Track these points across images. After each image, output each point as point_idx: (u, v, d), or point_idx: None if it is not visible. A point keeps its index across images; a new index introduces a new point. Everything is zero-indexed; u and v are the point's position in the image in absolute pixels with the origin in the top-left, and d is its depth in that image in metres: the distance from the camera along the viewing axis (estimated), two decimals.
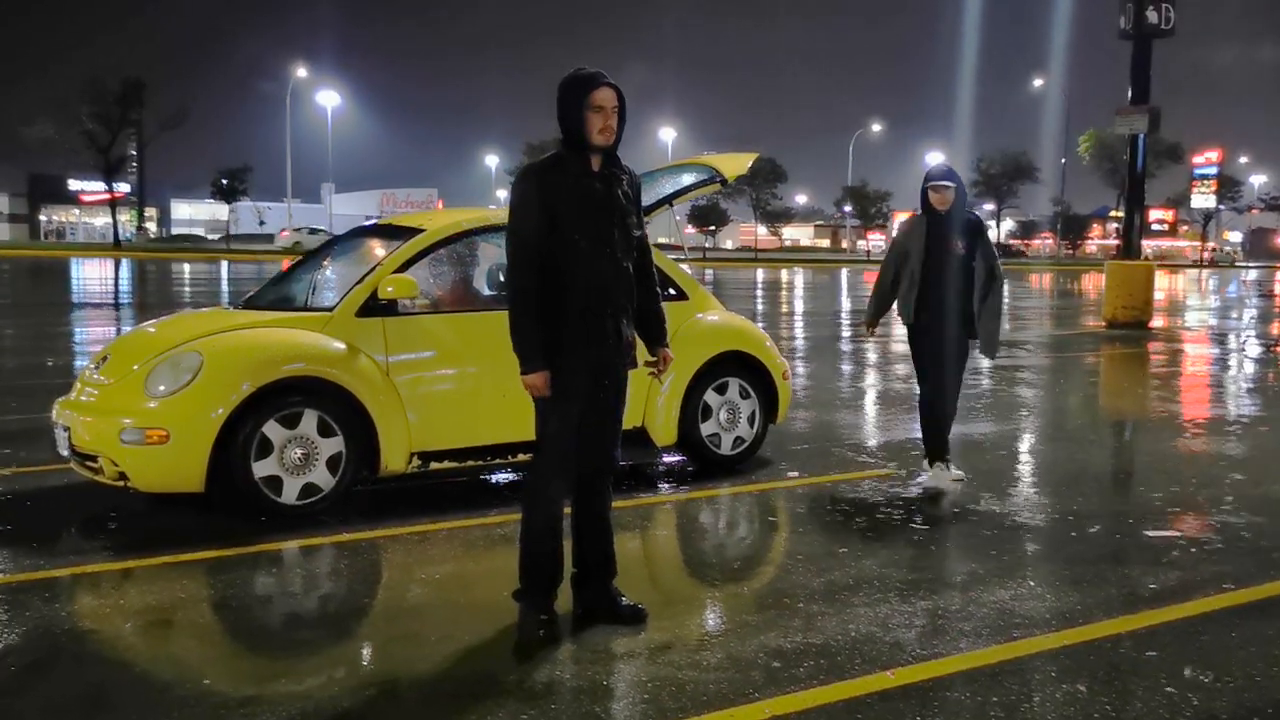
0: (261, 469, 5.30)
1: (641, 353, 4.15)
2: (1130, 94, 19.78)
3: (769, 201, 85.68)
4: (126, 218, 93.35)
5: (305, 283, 6.42)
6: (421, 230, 6.07)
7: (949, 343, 5.77)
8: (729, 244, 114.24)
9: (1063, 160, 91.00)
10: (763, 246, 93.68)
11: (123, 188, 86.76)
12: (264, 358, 5.36)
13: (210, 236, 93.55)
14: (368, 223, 7.08)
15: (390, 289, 5.60)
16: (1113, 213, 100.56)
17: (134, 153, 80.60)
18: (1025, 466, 7.26)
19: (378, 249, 6.33)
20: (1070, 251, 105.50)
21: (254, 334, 5.56)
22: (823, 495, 6.16)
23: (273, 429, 5.31)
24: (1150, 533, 5.46)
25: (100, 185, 69.60)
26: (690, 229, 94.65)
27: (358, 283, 5.77)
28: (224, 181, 69.20)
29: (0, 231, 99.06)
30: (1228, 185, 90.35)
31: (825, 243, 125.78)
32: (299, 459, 5.38)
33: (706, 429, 6.74)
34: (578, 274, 3.82)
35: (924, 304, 5.54)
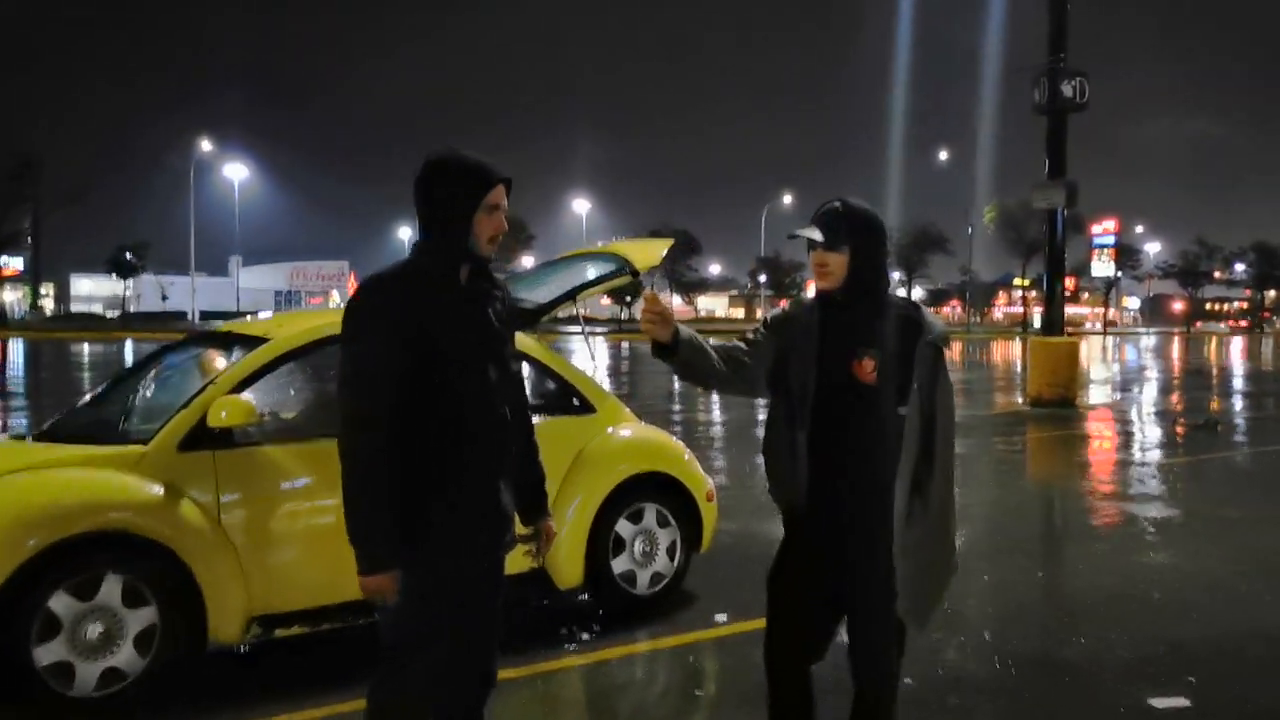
0: (46, 653, 4.11)
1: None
2: (1047, 168, 19.48)
3: (684, 273, 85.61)
4: (20, 294, 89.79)
5: (121, 406, 5.24)
6: (266, 340, 4.94)
7: (867, 564, 3.15)
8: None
9: (969, 230, 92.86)
10: (679, 317, 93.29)
11: (16, 264, 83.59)
12: (50, 509, 4.19)
13: (109, 314, 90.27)
14: (207, 327, 5.93)
15: (223, 414, 4.49)
16: (1017, 280, 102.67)
17: (28, 228, 77.75)
18: (970, 598, 6.34)
19: (215, 362, 5.21)
20: (979, 319, 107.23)
21: (40, 477, 4.38)
22: (758, 645, 5.13)
23: (61, 601, 4.13)
24: (1157, 701, 4.54)
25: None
26: (605, 300, 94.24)
27: (182, 407, 4.64)
28: (126, 255, 66.69)
29: None
30: (1126, 254, 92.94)
31: (740, 313, 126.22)
32: (98, 638, 4.20)
33: (619, 565, 5.71)
34: (448, 429, 2.80)
35: (820, 480, 3.13)
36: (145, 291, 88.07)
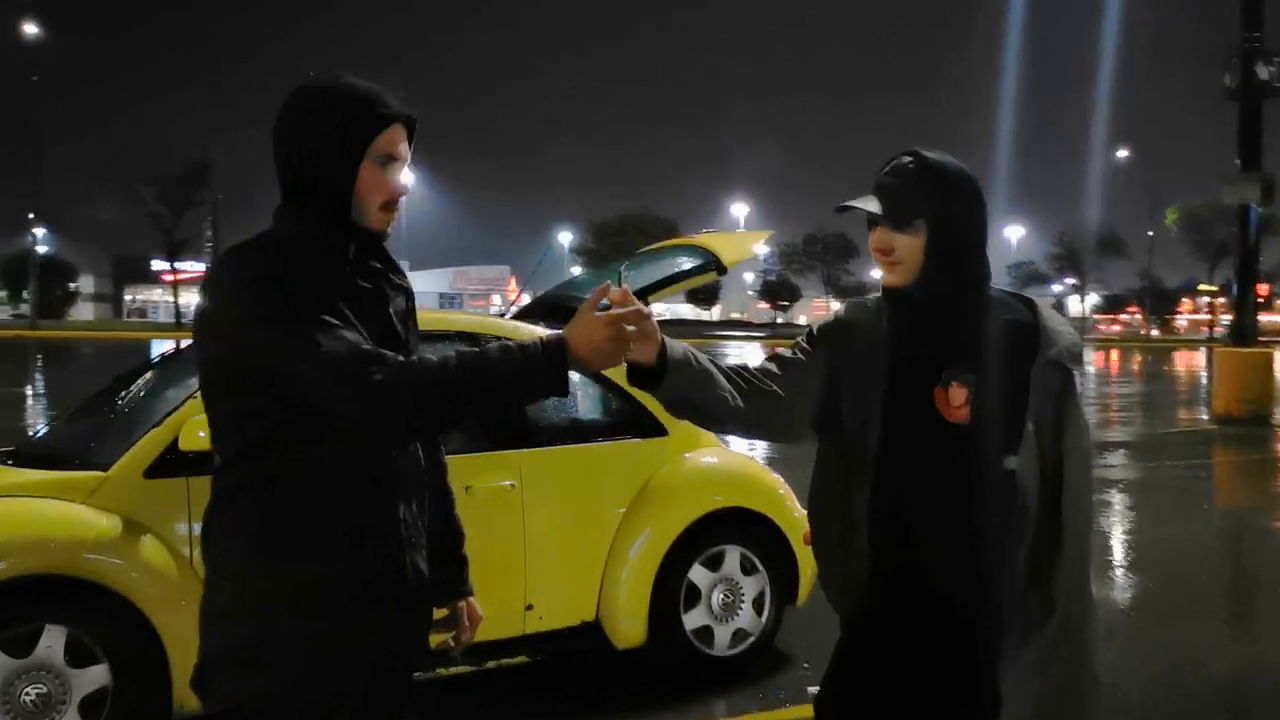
0: None
1: None
2: (1239, 160, 17.47)
3: (840, 277, 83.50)
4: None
5: (97, 424, 4.55)
6: None
7: (960, 693, 2.13)
8: (803, 319, 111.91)
9: (1149, 233, 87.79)
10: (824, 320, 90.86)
11: (198, 267, 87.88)
12: None
13: None
14: None
15: (200, 434, 3.73)
16: (1202, 285, 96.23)
17: (209, 232, 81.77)
18: (1139, 677, 5.11)
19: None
20: (1157, 328, 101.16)
21: None
22: None
23: None
24: None
25: (183, 265, 70.06)
26: (762, 304, 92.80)
27: (153, 425, 3.91)
28: None
29: (85, 311, 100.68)
30: None
31: None
32: (33, 704, 3.49)
33: (693, 620, 4.75)
34: (333, 468, 1.91)
35: (888, 565, 2.14)
36: None
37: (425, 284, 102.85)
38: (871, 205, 2.11)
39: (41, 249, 63.02)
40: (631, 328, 1.93)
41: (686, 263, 5.35)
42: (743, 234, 5.67)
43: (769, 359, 2.25)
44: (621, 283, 2.02)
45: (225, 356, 1.87)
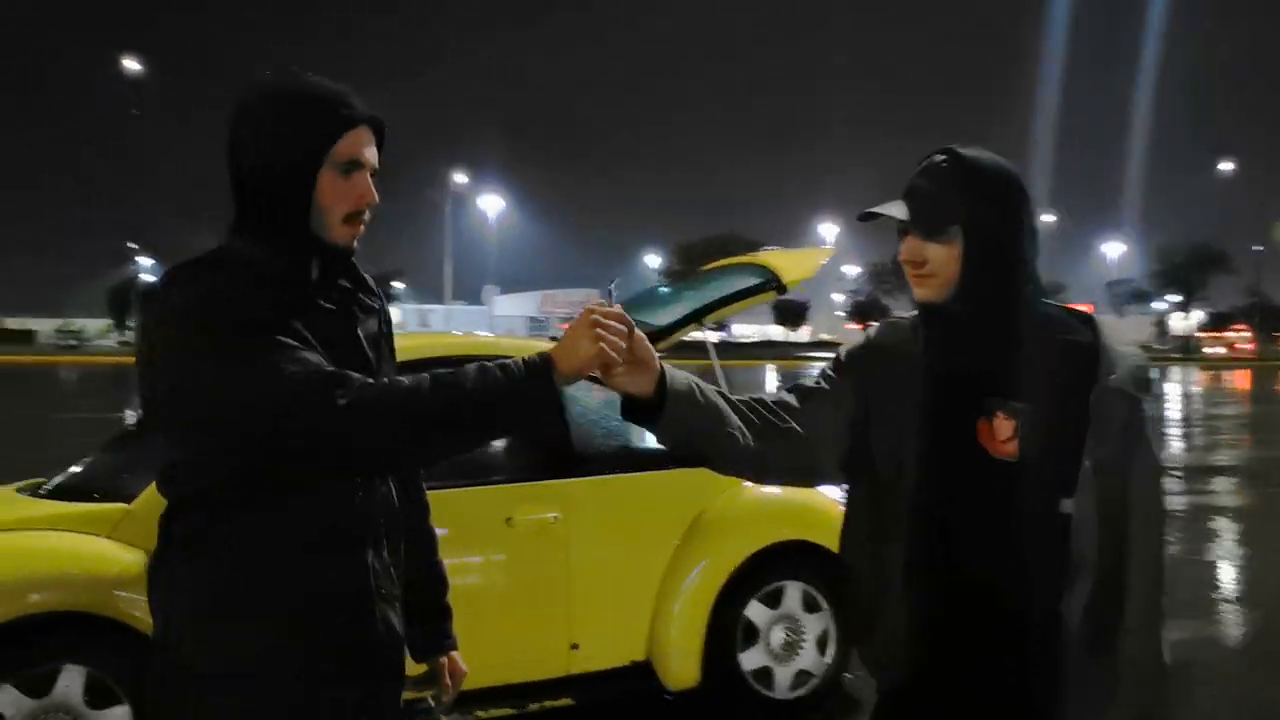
0: None
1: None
2: None
3: None
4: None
5: (128, 455, 4.42)
6: None
7: None
8: None
9: (1259, 248, 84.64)
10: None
11: None
12: None
13: None
14: None
15: None
16: None
17: None
18: None
19: None
20: (1267, 344, 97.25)
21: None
22: None
23: (8, 696, 3.33)
24: None
25: None
26: (851, 325, 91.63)
27: None
28: (390, 284, 70.62)
29: None
30: None
31: None
32: None
33: (750, 660, 4.47)
34: (291, 512, 1.71)
35: (927, 626, 1.84)
36: (408, 320, 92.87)
37: (513, 308, 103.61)
38: (898, 211, 1.84)
39: (146, 278, 65.07)
40: (618, 340, 1.71)
41: (745, 281, 5.11)
42: (804, 251, 5.37)
43: (789, 390, 1.99)
44: (612, 299, 1.78)
45: (169, 388, 1.68)
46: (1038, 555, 1.78)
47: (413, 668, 2.01)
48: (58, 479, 4.19)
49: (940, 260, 1.83)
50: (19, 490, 4.16)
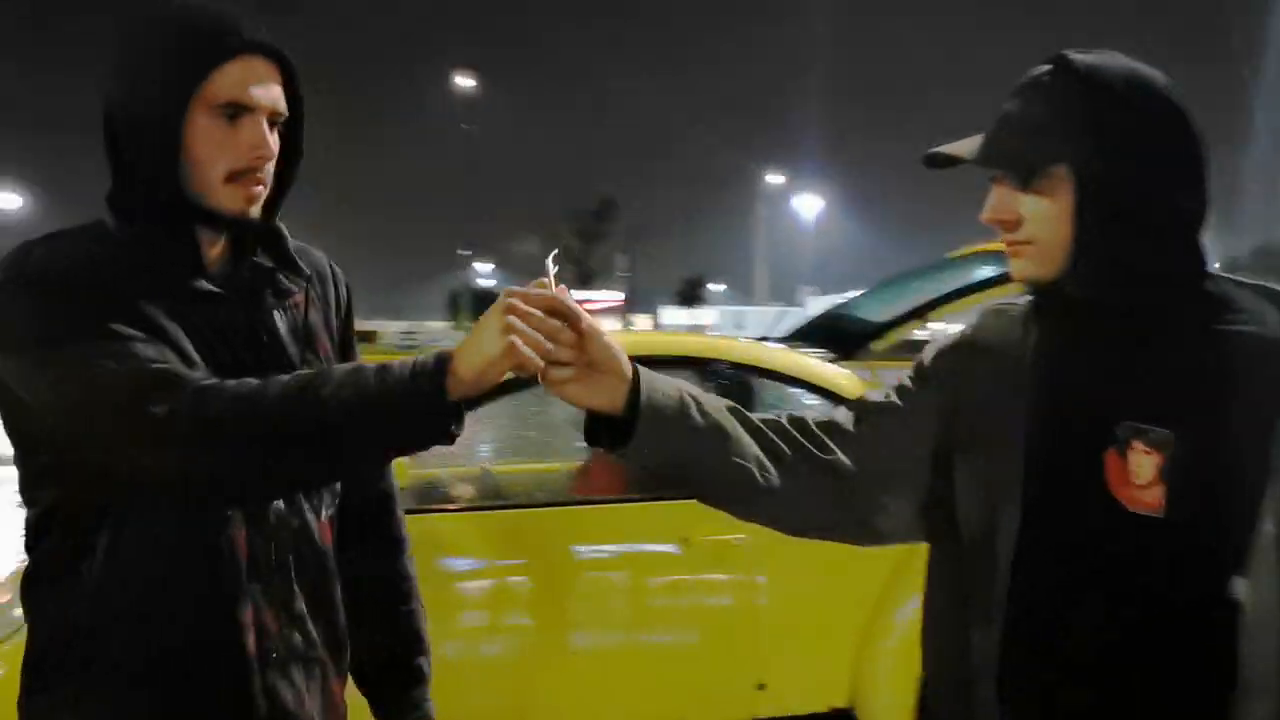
0: None
1: None
2: None
3: None
4: (620, 324, 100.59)
5: None
6: None
7: None
8: None
9: None
10: None
11: (616, 296, 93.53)
12: None
13: None
14: None
15: None
16: None
17: (617, 263, 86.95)
18: None
19: None
20: None
21: None
22: None
23: None
24: None
25: (593, 294, 74.95)
26: None
27: None
28: (703, 286, 71.99)
29: None
30: None
31: None
32: None
33: None
34: (136, 559, 1.38)
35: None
36: (725, 322, 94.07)
37: (827, 307, 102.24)
38: (967, 150, 1.28)
39: (486, 282, 69.67)
40: (541, 336, 1.27)
41: (988, 271, 4.43)
42: None
43: (849, 406, 1.46)
44: (551, 277, 1.33)
45: None
46: (1189, 662, 1.16)
47: None
48: None
49: (1040, 219, 1.25)
50: None
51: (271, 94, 1.42)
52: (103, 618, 1.36)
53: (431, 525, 3.63)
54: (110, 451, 1.26)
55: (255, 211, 1.45)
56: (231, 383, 1.28)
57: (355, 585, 1.63)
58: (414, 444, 1.35)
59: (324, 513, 1.54)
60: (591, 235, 65.89)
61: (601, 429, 1.35)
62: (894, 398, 1.44)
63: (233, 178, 1.40)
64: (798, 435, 1.39)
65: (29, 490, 1.39)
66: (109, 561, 1.35)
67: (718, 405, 1.38)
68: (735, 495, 1.39)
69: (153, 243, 1.40)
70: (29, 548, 1.41)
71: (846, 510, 1.40)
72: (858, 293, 6.85)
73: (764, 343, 4.51)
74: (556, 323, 1.27)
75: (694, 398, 1.36)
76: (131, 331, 1.30)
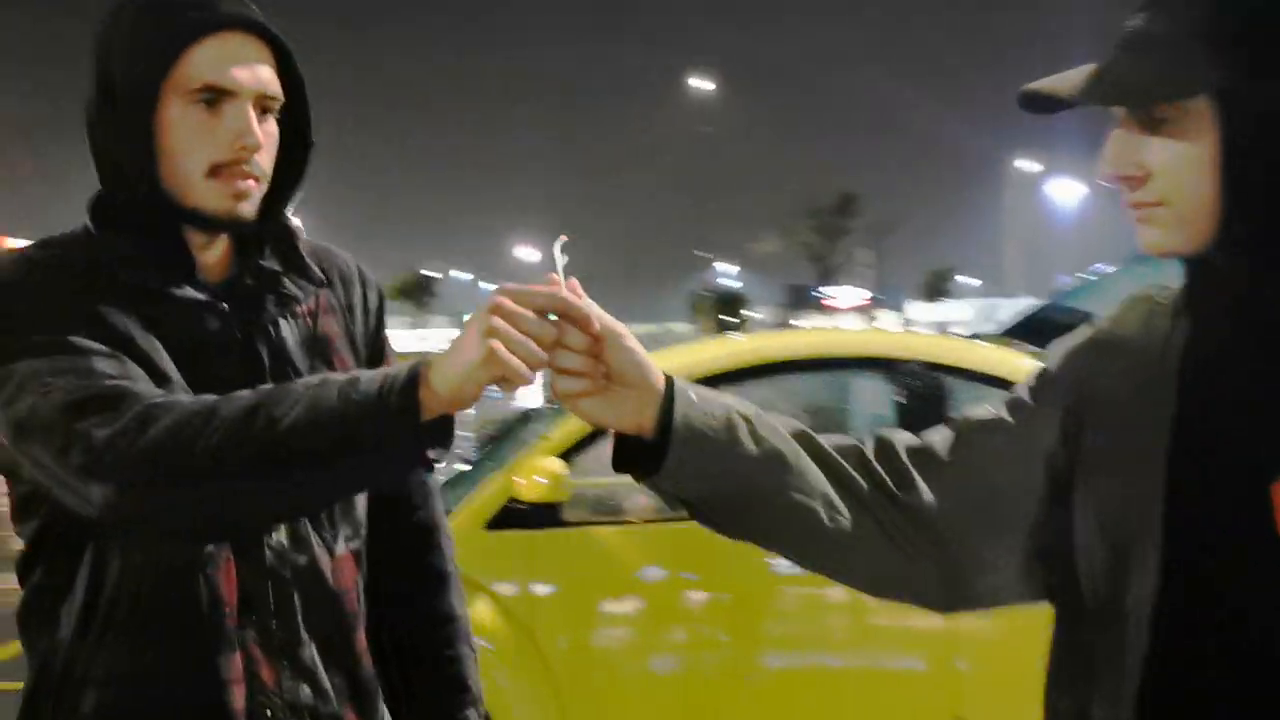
0: None
1: None
2: None
3: None
4: (865, 322, 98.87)
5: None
6: None
7: None
8: None
9: None
10: None
11: (861, 293, 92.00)
12: None
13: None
14: None
15: (540, 480, 3.27)
16: None
17: (865, 258, 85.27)
18: None
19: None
20: None
21: None
22: None
23: None
24: None
25: (843, 291, 73.76)
26: None
27: (498, 469, 3.54)
28: (951, 280, 69.76)
29: None
30: None
31: None
32: None
33: None
34: (110, 585, 1.23)
35: None
36: (977, 316, 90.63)
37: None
38: (1072, 85, 0.97)
39: (729, 283, 69.77)
40: (532, 343, 1.03)
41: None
42: None
43: (950, 425, 1.15)
44: (560, 268, 1.09)
45: None
46: None
47: None
48: None
49: (1173, 171, 0.94)
50: None
51: (258, 75, 1.24)
52: (80, 667, 1.23)
53: (601, 538, 3.49)
54: (50, 480, 1.13)
55: (246, 210, 1.26)
56: (186, 400, 1.12)
57: (392, 628, 1.46)
58: (383, 473, 1.15)
59: (340, 547, 1.35)
60: (832, 231, 64.60)
61: (632, 455, 1.10)
62: (1004, 413, 1.13)
63: (215, 172, 1.23)
64: (879, 466, 1.10)
65: (17, 521, 1.29)
66: (88, 602, 1.22)
67: (778, 427, 1.11)
68: (796, 540, 1.11)
69: (131, 247, 1.26)
70: (21, 581, 1.30)
71: (932, 563, 1.09)
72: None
73: (972, 340, 4.12)
74: (550, 326, 1.03)
75: (746, 417, 1.09)
76: (92, 345, 1.15)
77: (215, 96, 1.22)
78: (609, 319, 1.06)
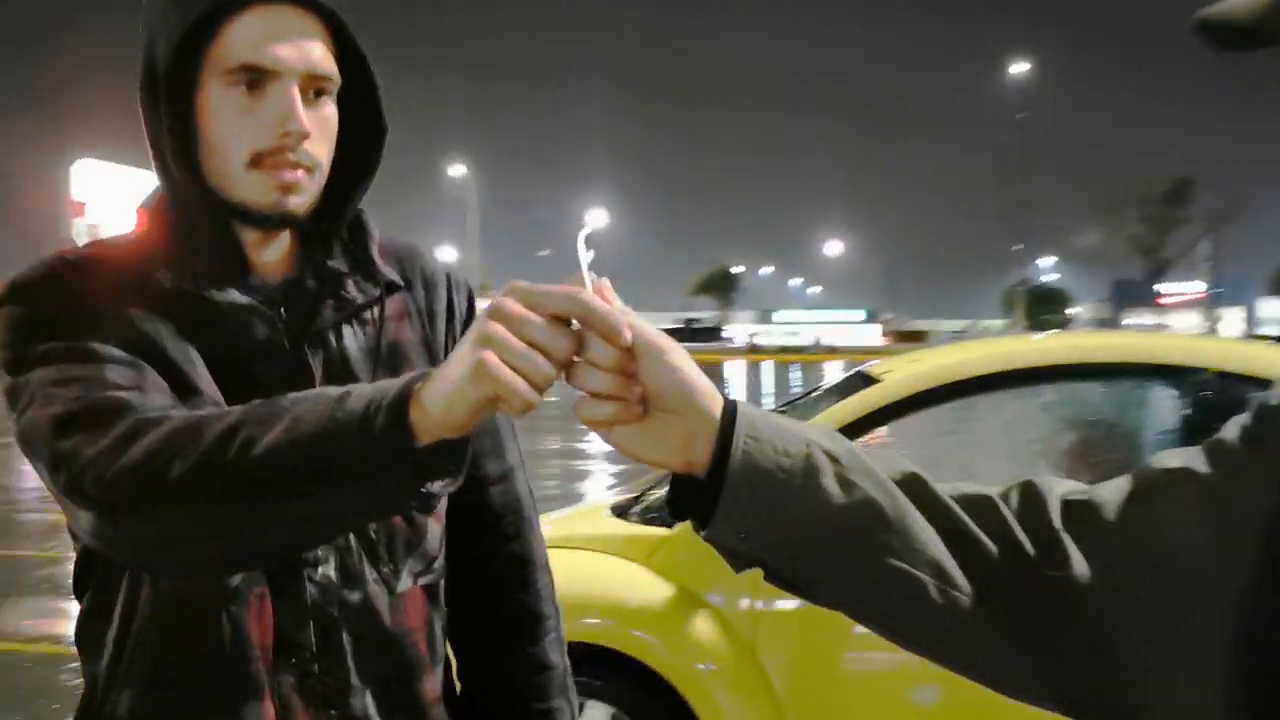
0: None
1: None
2: None
3: None
4: (1204, 318, 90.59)
5: None
6: (874, 382, 3.46)
7: None
8: None
9: None
10: None
11: (1198, 288, 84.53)
12: None
13: None
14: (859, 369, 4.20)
15: None
16: None
17: (1204, 250, 77.84)
18: None
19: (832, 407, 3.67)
20: None
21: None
22: None
23: None
24: None
25: (1180, 286, 67.85)
26: None
27: None
28: None
29: None
30: None
31: None
32: None
33: None
34: (142, 614, 1.13)
35: None
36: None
37: None
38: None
39: (1049, 278, 65.91)
40: (540, 359, 0.81)
41: None
42: None
43: (1133, 475, 0.86)
44: (586, 269, 0.85)
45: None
46: None
47: None
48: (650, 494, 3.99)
49: None
50: (612, 507, 4.01)
51: (305, 54, 1.10)
52: (109, 706, 1.14)
53: None
54: (62, 494, 1.03)
55: (294, 204, 1.13)
56: (178, 415, 1.00)
57: (474, 676, 1.32)
58: (372, 508, 0.97)
59: (404, 583, 1.20)
60: (1163, 221, 59.20)
61: (682, 494, 0.87)
62: (1199, 462, 0.81)
63: (258, 161, 1.11)
64: (1018, 527, 0.82)
65: (75, 539, 1.23)
66: (121, 632, 1.14)
67: (875, 470, 0.83)
68: (893, 616, 0.84)
69: (174, 246, 1.15)
70: (78, 598, 1.25)
71: (1085, 668, 0.80)
72: None
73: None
74: (566, 337, 0.81)
75: (832, 455, 0.83)
76: (111, 352, 1.06)
77: (257, 77, 1.10)
78: (648, 329, 0.83)
